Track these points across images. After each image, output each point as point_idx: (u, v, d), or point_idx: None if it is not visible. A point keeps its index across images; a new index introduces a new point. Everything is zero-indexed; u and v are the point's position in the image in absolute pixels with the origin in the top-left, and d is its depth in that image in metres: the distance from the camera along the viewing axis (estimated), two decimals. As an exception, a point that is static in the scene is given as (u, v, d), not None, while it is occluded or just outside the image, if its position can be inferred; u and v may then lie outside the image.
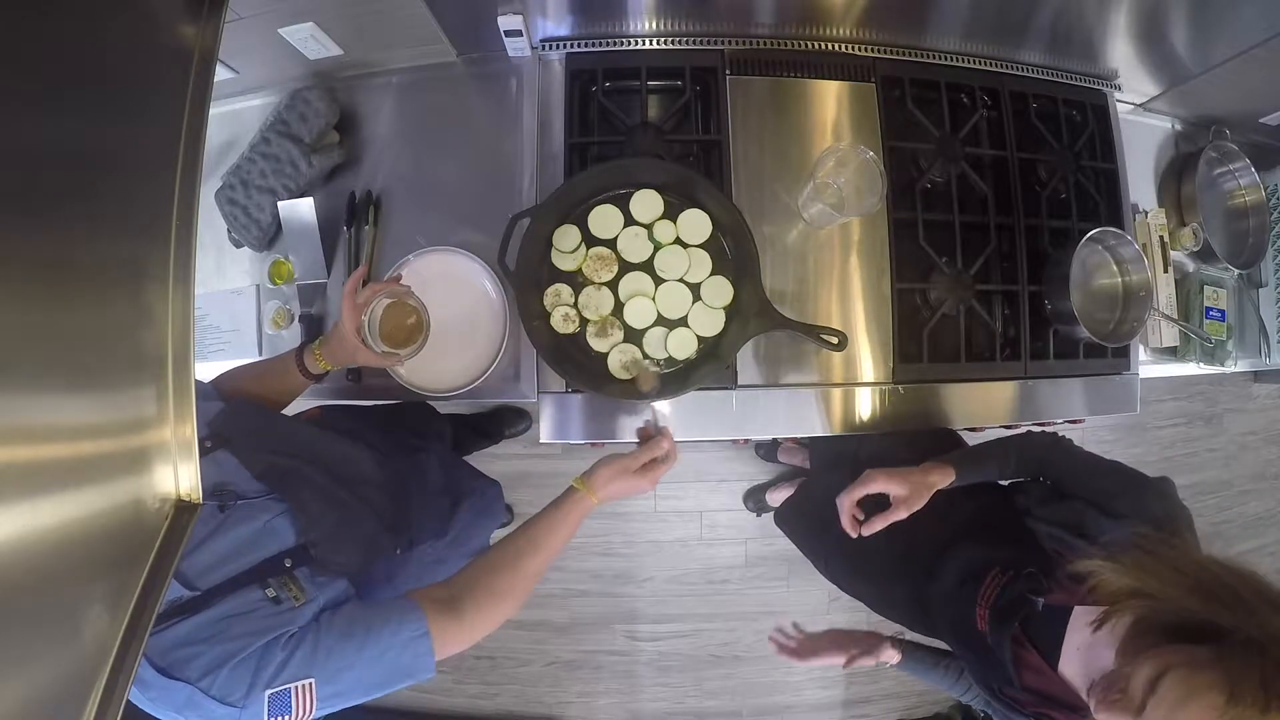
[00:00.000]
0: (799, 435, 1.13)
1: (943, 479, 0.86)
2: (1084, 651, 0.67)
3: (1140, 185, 1.33)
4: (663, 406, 1.09)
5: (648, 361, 1.04)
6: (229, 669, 0.61)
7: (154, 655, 0.61)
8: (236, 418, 0.81)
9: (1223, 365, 1.33)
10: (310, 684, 0.63)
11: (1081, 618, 0.70)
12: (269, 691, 0.61)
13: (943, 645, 0.97)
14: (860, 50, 1.20)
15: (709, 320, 1.05)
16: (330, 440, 0.93)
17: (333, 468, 0.87)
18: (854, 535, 0.88)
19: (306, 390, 1.08)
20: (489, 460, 1.94)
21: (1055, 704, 0.72)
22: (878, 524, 0.85)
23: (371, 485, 0.92)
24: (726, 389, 1.09)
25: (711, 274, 1.06)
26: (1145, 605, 0.58)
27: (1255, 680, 0.47)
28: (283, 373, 0.93)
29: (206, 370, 0.95)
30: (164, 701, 0.60)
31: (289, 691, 0.62)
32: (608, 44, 1.16)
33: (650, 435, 0.88)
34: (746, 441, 2.05)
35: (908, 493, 0.84)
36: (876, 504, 0.89)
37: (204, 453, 0.73)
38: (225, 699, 0.59)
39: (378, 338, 0.90)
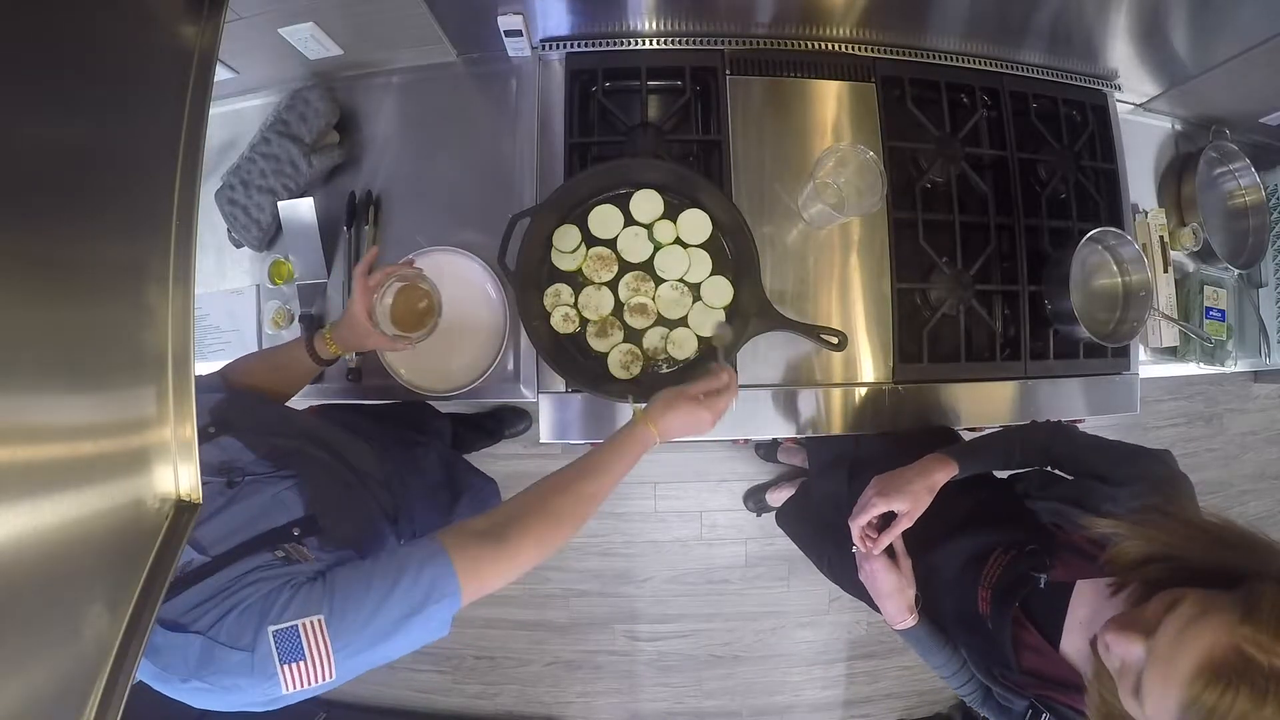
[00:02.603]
0: (799, 435, 1.13)
1: (945, 475, 0.86)
2: (1087, 625, 0.68)
3: (1140, 185, 1.33)
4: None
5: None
6: (236, 614, 0.58)
7: (165, 616, 0.59)
8: (238, 405, 0.81)
9: (1223, 365, 1.33)
10: (319, 621, 0.58)
11: (1084, 592, 0.70)
12: (273, 628, 0.57)
13: None
14: (860, 50, 1.20)
15: (709, 320, 1.05)
16: (330, 429, 0.94)
17: (335, 451, 0.88)
18: (869, 552, 0.88)
19: (306, 390, 1.08)
20: (489, 460, 1.94)
21: (1055, 685, 0.72)
22: (885, 540, 0.86)
23: (371, 477, 0.93)
24: (726, 389, 1.09)
25: (711, 274, 1.06)
26: (1160, 570, 0.58)
27: (1271, 606, 0.47)
28: (292, 359, 0.93)
29: (208, 368, 0.95)
30: (177, 665, 0.58)
31: (296, 629, 0.58)
32: (608, 44, 1.16)
33: (716, 370, 0.86)
34: (746, 441, 2.05)
35: (910, 505, 0.84)
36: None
37: (207, 438, 0.73)
38: (236, 644, 0.57)
39: (389, 321, 0.90)
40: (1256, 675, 0.45)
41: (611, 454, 0.77)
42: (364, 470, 0.91)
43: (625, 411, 1.09)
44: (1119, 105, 1.30)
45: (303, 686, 0.58)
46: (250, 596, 0.60)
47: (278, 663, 0.57)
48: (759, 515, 2.07)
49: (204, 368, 1.08)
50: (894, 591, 0.87)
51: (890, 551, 0.88)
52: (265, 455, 0.76)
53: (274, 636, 0.57)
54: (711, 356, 0.99)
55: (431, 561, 0.64)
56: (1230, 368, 1.35)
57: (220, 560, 0.63)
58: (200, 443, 0.68)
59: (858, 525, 0.87)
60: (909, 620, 0.89)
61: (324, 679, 0.59)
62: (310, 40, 1.03)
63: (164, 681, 0.59)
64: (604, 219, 1.06)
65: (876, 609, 0.94)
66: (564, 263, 1.05)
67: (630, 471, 0.78)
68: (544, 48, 1.16)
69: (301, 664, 0.57)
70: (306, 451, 0.82)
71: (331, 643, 0.59)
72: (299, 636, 0.58)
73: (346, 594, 0.61)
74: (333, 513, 0.75)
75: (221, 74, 1.07)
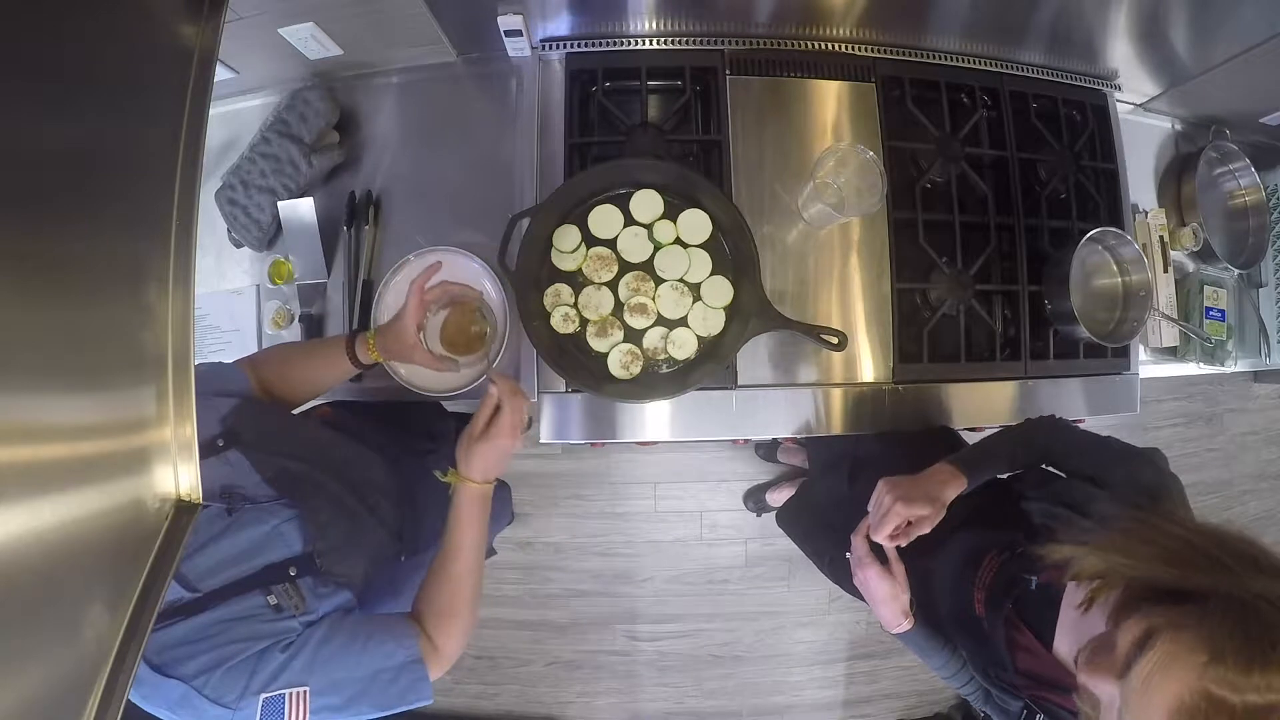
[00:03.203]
0: (799, 435, 1.13)
1: (955, 490, 0.85)
2: (1077, 625, 0.67)
3: (1140, 185, 1.33)
4: (663, 407, 1.09)
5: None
6: (224, 670, 0.61)
7: (150, 653, 0.61)
8: (250, 415, 0.80)
9: (1223, 365, 1.33)
10: (305, 692, 0.63)
11: (1073, 594, 0.70)
12: (264, 695, 0.61)
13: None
14: (860, 50, 1.20)
15: (709, 320, 1.05)
16: (343, 444, 0.93)
17: (344, 473, 0.86)
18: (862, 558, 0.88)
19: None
20: (489, 460, 1.93)
21: (1049, 685, 0.72)
22: (902, 540, 0.85)
23: (381, 492, 0.92)
24: (726, 389, 1.09)
25: (711, 274, 1.06)
26: (1124, 578, 0.58)
27: (1238, 638, 0.46)
28: (330, 358, 0.90)
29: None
30: (157, 699, 0.60)
31: (283, 698, 0.62)
32: (608, 44, 1.16)
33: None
34: (746, 441, 2.05)
35: (931, 512, 0.83)
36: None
37: (215, 452, 0.73)
38: (219, 700, 0.60)
39: (437, 338, 0.88)
40: (1229, 715, 0.44)
41: (457, 527, 0.78)
42: (374, 490, 0.90)
43: (626, 411, 1.09)
44: (1119, 105, 1.30)
45: None
46: (239, 654, 0.62)
47: None
48: (759, 515, 2.07)
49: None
50: (888, 598, 0.87)
51: (883, 557, 0.88)
52: (271, 479, 0.75)
53: (262, 704, 0.62)
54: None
55: (411, 667, 0.71)
56: (1230, 368, 1.35)
57: (209, 598, 0.65)
58: (208, 456, 0.69)
59: (882, 536, 0.85)
60: (905, 625, 0.88)
61: None
62: (310, 40, 1.03)
63: (146, 704, 0.62)
64: (604, 219, 1.06)
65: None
66: (564, 263, 1.05)
67: (483, 528, 0.79)
68: (544, 48, 1.16)
69: None
70: (314, 478, 0.81)
71: (310, 712, 0.64)
72: (284, 704, 0.62)
73: (337, 672, 0.67)
74: (332, 552, 0.75)
75: (221, 74, 1.07)
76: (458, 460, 0.79)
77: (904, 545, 0.85)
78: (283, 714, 0.62)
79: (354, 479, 0.87)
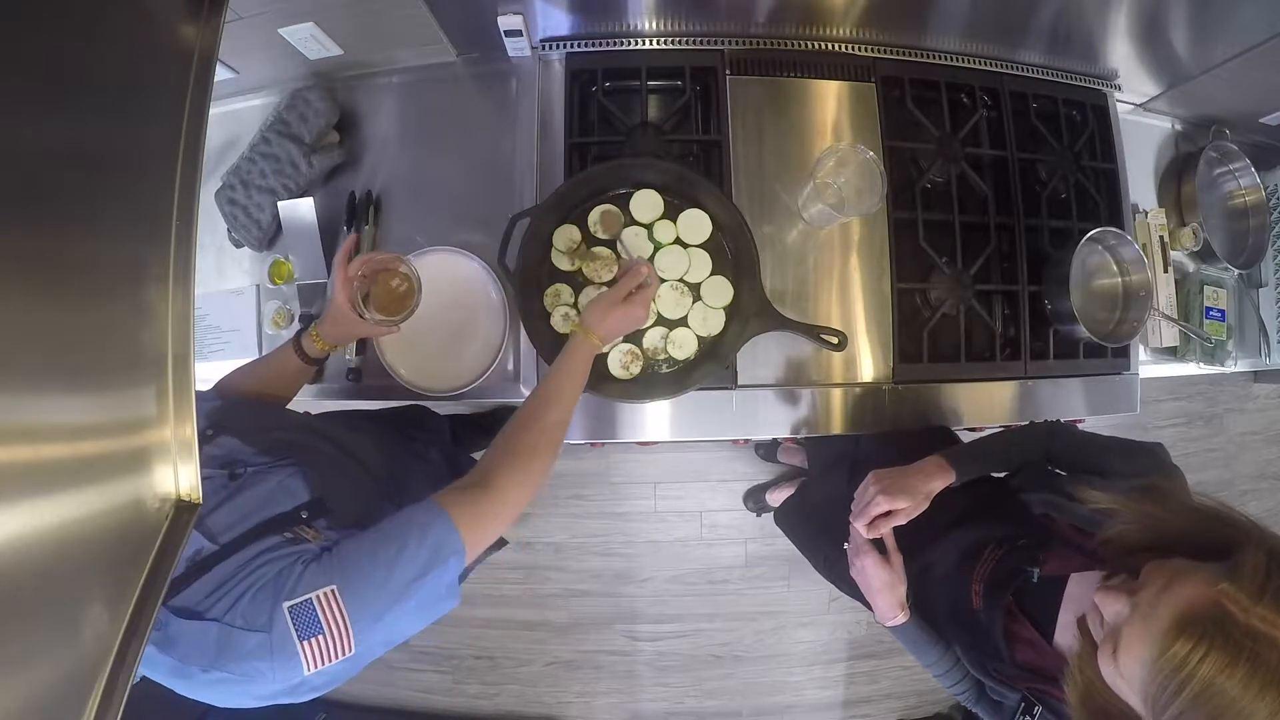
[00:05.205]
0: (799, 435, 1.13)
1: (942, 483, 0.86)
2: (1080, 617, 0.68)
3: (1140, 185, 1.33)
4: (663, 407, 1.09)
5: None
6: (250, 595, 0.58)
7: (179, 606, 0.59)
8: (235, 408, 0.81)
9: (1223, 365, 1.33)
10: (333, 591, 0.59)
11: (1077, 586, 0.70)
12: (288, 604, 0.57)
13: None
14: (860, 50, 1.20)
15: (709, 320, 1.05)
16: (330, 424, 0.94)
17: (336, 442, 0.87)
18: (859, 546, 0.88)
19: (306, 392, 1.08)
20: (489, 460, 1.93)
21: (1048, 679, 0.72)
22: (878, 530, 0.86)
23: (375, 466, 0.92)
24: (726, 389, 1.09)
25: (711, 274, 1.06)
26: (1155, 531, 0.59)
27: (1260, 571, 0.47)
28: (282, 363, 0.93)
29: (206, 370, 0.95)
30: (195, 655, 0.57)
31: (311, 602, 0.58)
32: (608, 44, 1.16)
33: (628, 267, 0.92)
34: (746, 441, 2.05)
35: (910, 505, 0.84)
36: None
37: (206, 440, 0.73)
38: (252, 626, 0.57)
39: (371, 308, 0.90)
40: (1233, 631, 0.44)
41: (563, 376, 0.82)
42: (366, 461, 0.91)
43: (626, 411, 1.09)
44: (1119, 105, 1.30)
45: (324, 664, 0.58)
46: (263, 577, 0.60)
47: (296, 640, 0.57)
48: (759, 515, 2.07)
49: (204, 368, 1.09)
50: (884, 587, 0.87)
51: (881, 547, 0.88)
52: (265, 449, 0.76)
53: (289, 612, 0.57)
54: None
55: (435, 523, 0.66)
56: (1230, 368, 1.35)
57: (230, 547, 0.63)
58: (200, 444, 0.68)
59: (861, 523, 0.87)
60: (900, 617, 0.88)
61: (344, 652, 0.59)
62: (310, 40, 1.03)
63: (184, 677, 0.59)
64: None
65: (871, 608, 0.93)
66: (564, 263, 1.05)
67: (583, 384, 0.84)
68: (544, 48, 1.16)
69: (320, 639, 0.58)
70: (308, 442, 0.82)
71: (348, 613, 0.59)
72: (314, 609, 0.58)
73: (356, 562, 0.62)
74: (338, 497, 0.75)
75: (221, 74, 1.07)
76: (588, 318, 0.87)
77: (875, 537, 0.86)
78: (316, 619, 0.58)
79: (348, 450, 0.88)
